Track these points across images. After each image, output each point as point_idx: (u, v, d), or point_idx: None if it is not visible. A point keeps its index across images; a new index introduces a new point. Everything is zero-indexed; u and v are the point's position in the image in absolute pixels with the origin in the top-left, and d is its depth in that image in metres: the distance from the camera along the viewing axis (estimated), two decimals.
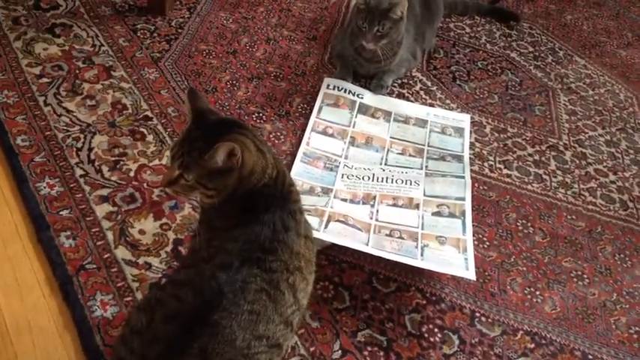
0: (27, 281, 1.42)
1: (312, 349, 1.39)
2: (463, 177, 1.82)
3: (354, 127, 1.96)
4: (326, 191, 1.72)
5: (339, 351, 1.39)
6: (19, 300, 1.38)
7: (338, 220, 1.59)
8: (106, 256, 1.48)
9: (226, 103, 1.94)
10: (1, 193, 1.58)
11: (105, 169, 1.67)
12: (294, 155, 1.82)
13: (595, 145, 2.08)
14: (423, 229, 1.64)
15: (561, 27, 2.64)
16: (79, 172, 1.64)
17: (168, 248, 1.52)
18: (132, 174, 1.67)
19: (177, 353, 1.02)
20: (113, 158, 1.70)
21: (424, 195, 1.74)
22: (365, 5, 1.98)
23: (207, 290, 1.05)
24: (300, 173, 1.77)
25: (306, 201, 1.65)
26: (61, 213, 1.54)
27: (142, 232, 1.54)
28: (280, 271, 1.10)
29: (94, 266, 1.45)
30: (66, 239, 1.49)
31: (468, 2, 2.62)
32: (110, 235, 1.52)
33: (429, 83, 2.21)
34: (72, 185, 1.61)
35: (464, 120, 2.06)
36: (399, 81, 2.18)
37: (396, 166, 1.85)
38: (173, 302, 1.07)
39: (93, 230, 1.52)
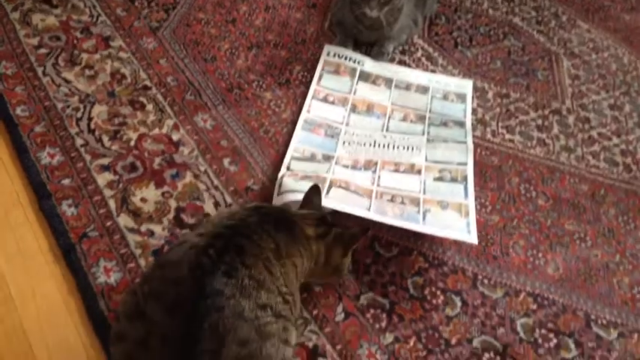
0: (30, 249, 1.42)
1: (315, 312, 1.39)
2: (465, 142, 1.81)
3: (354, 94, 1.95)
4: (327, 158, 1.71)
5: (342, 314, 1.40)
6: (22, 267, 1.39)
7: (339, 187, 1.59)
8: (108, 223, 1.48)
9: (226, 72, 1.93)
10: (2, 162, 1.58)
11: (105, 138, 1.67)
12: (294, 123, 1.81)
13: (598, 108, 2.06)
14: (424, 194, 1.63)
15: None
16: (79, 141, 1.64)
17: (171, 216, 1.52)
18: (132, 143, 1.67)
19: (192, 343, 0.99)
20: (113, 128, 1.70)
21: (426, 160, 1.74)
22: None
23: (204, 260, 1.05)
24: (302, 140, 1.76)
25: (307, 168, 1.66)
26: (62, 182, 1.54)
27: (143, 200, 1.55)
28: (264, 247, 1.13)
29: (97, 234, 1.45)
30: (68, 207, 1.49)
31: None
32: (112, 204, 1.52)
33: (431, 49, 2.19)
34: (72, 155, 1.61)
35: (466, 86, 2.04)
36: (400, 48, 2.16)
37: (398, 133, 1.84)
38: (169, 288, 1.04)
39: (94, 199, 1.52)
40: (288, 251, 1.18)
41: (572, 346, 1.42)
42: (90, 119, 1.71)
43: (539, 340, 1.42)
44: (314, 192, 1.39)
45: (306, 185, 1.54)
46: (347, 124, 1.85)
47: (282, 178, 1.58)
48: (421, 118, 1.90)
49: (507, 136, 1.91)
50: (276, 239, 1.16)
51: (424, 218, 1.56)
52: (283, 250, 1.17)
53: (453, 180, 1.69)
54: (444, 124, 1.89)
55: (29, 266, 1.39)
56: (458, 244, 1.58)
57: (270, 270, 1.11)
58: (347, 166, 1.69)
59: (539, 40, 2.31)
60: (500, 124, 1.94)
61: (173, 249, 1.14)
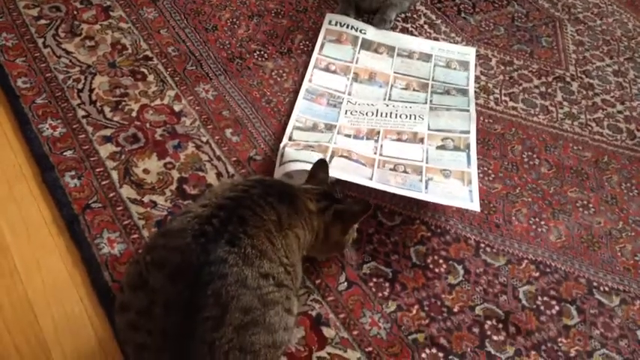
0: (34, 221, 1.43)
1: (317, 281, 1.40)
2: (468, 110, 1.80)
3: (357, 63, 1.94)
4: (329, 127, 1.70)
5: (345, 283, 1.41)
6: (27, 239, 1.40)
7: (342, 156, 1.58)
8: (111, 195, 1.48)
9: (227, 42, 1.92)
10: (4, 134, 1.58)
11: (107, 109, 1.66)
12: (296, 92, 1.80)
13: (602, 75, 2.05)
14: (427, 162, 1.63)
15: None
16: (80, 113, 1.64)
17: (173, 187, 1.53)
18: (134, 114, 1.67)
19: (195, 311, 1.00)
20: (114, 99, 1.69)
21: (428, 129, 1.73)
22: None
23: (208, 229, 1.06)
24: (304, 110, 1.76)
25: (309, 137, 1.65)
26: (64, 153, 1.54)
27: (146, 171, 1.55)
28: (266, 219, 1.13)
29: (100, 205, 1.46)
30: (71, 179, 1.49)
31: None
32: (115, 175, 1.52)
33: (434, 17, 2.16)
34: (74, 126, 1.61)
35: (469, 53, 2.03)
36: (403, 15, 2.14)
37: (400, 101, 1.84)
38: (172, 256, 1.05)
39: (97, 170, 1.53)
40: (290, 223, 1.19)
41: (575, 313, 1.43)
42: (91, 90, 1.70)
43: (542, 307, 1.43)
44: (320, 166, 1.38)
45: (308, 155, 1.55)
46: (349, 93, 1.84)
47: (284, 147, 1.58)
48: (424, 87, 1.89)
49: (510, 104, 1.90)
50: (278, 211, 1.17)
51: (427, 187, 1.56)
52: (285, 221, 1.17)
53: (456, 148, 1.68)
54: (447, 92, 1.88)
55: (34, 238, 1.40)
56: (460, 213, 1.58)
57: (271, 241, 1.12)
58: (349, 136, 1.68)
59: (544, 6, 2.29)
60: (503, 91, 1.93)
61: (176, 219, 1.14)
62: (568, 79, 2.01)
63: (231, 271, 1.03)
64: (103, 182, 1.50)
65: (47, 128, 1.59)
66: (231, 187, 1.20)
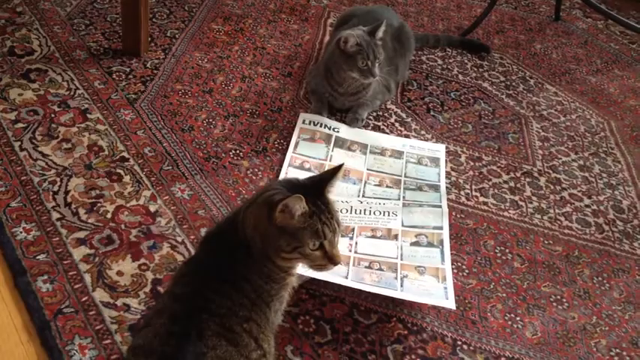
0: (4, 328, 1.40)
1: None
2: (440, 206, 1.84)
3: (330, 160, 1.98)
4: None
5: None
6: None
7: None
8: (83, 299, 1.47)
9: (203, 142, 1.96)
10: None
11: (82, 211, 1.67)
12: None
13: (569, 170, 2.11)
14: (402, 259, 1.65)
15: (531, 56, 2.70)
16: (55, 215, 1.64)
17: (147, 289, 1.51)
18: (109, 215, 1.67)
19: None
20: (90, 200, 1.70)
21: (402, 225, 1.76)
22: (359, 46, 2.00)
23: (168, 350, 1.04)
24: None
25: None
26: (37, 257, 1.53)
27: (119, 273, 1.54)
28: (229, 316, 1.11)
29: (72, 310, 1.43)
30: (43, 284, 1.47)
31: (439, 35, 2.67)
32: (88, 278, 1.51)
33: (404, 115, 2.24)
34: (48, 229, 1.60)
35: (439, 150, 2.09)
36: (374, 114, 2.21)
37: (374, 198, 1.87)
38: None
39: (70, 273, 1.51)
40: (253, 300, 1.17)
41: None
42: (66, 192, 1.71)
43: None
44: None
45: None
46: None
47: None
48: (396, 183, 1.93)
49: (481, 199, 1.94)
50: (231, 296, 1.14)
51: (402, 284, 1.57)
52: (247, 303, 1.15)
53: (430, 244, 1.70)
54: (419, 188, 1.92)
55: (3, 345, 1.37)
56: (437, 310, 1.58)
57: (234, 342, 1.09)
58: None
59: (509, 104, 2.38)
60: (473, 187, 1.98)
61: (142, 331, 1.13)
62: (535, 174, 2.07)
63: None
64: (76, 286, 1.49)
65: (21, 232, 1.58)
66: (179, 279, 1.20)
